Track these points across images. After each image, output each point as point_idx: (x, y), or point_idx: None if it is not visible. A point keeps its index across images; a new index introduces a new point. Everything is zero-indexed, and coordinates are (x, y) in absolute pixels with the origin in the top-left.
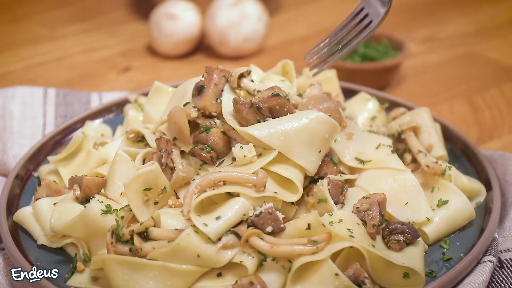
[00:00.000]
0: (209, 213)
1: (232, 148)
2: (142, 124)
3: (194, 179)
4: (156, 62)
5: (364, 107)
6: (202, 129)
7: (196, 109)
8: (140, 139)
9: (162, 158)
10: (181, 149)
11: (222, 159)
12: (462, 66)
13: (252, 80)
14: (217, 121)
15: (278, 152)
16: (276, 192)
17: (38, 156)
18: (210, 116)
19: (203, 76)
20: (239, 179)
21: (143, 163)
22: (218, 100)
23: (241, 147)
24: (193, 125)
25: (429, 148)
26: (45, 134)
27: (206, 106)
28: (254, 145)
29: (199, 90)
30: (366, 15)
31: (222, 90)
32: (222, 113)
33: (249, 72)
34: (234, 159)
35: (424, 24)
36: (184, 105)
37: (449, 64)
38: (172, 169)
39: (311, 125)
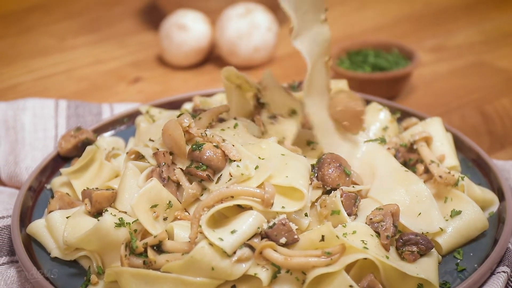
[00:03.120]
0: (223, 227)
1: (229, 167)
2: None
3: (202, 194)
4: (166, 72)
5: (376, 117)
6: (194, 146)
7: (189, 117)
8: (143, 157)
9: (162, 173)
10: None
11: (220, 174)
12: (472, 75)
13: None
14: (208, 132)
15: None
16: (283, 207)
17: (51, 168)
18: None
19: None
20: (246, 193)
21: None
22: None
23: (238, 166)
24: (187, 139)
25: (441, 158)
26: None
27: None
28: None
29: None
30: None
31: None
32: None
33: None
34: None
35: (432, 33)
36: (178, 116)
37: (459, 73)
38: (176, 183)
39: None
